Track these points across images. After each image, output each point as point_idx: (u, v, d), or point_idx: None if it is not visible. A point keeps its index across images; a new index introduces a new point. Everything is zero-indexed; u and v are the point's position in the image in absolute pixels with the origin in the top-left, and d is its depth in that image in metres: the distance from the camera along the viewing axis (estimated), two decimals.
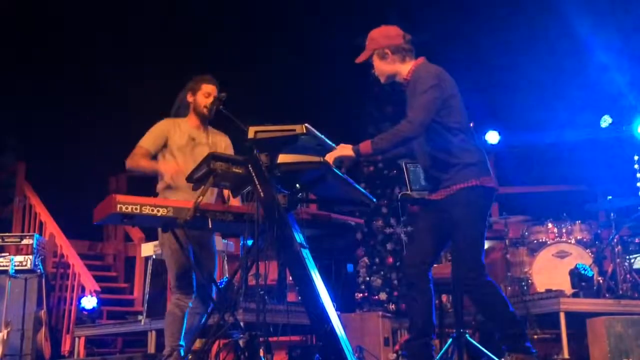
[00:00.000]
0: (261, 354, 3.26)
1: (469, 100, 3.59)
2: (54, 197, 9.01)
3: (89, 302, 7.49)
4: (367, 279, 7.78)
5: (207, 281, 4.06)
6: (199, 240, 4.10)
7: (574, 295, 5.54)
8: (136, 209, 3.37)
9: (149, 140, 4.19)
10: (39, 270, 7.05)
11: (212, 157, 3.43)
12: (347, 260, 7.87)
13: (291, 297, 6.73)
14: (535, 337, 5.25)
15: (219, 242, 6.09)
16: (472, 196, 3.44)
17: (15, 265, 6.82)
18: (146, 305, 6.55)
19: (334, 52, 7.87)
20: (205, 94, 4.23)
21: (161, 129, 4.23)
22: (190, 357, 3.79)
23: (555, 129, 8.30)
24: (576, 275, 5.63)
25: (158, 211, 3.43)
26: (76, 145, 9.18)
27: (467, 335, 3.87)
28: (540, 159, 8.71)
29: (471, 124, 3.60)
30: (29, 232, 8.42)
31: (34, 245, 7.18)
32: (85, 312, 7.44)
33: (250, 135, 3.27)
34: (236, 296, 4.15)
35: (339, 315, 3.37)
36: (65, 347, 7.57)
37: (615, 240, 6.13)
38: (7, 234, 7.81)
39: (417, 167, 3.96)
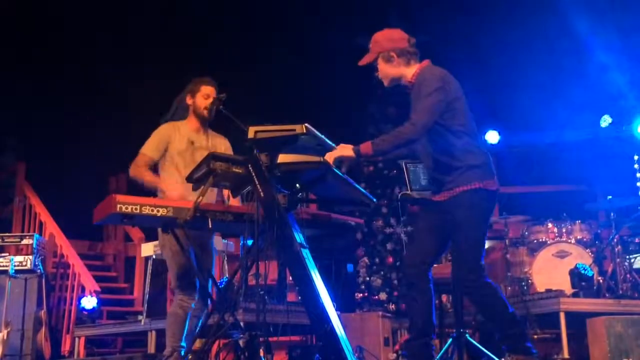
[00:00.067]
0: (261, 354, 3.26)
1: (468, 100, 3.58)
2: (54, 197, 9.00)
3: (89, 302, 7.49)
4: (367, 279, 7.78)
5: (207, 281, 4.05)
6: (199, 241, 4.09)
7: (574, 295, 5.54)
8: (136, 209, 3.37)
9: (151, 147, 4.16)
10: (39, 271, 7.04)
11: (212, 157, 3.42)
12: (347, 260, 7.87)
13: (291, 297, 6.73)
14: (535, 337, 5.26)
15: (219, 242, 6.09)
16: (475, 199, 3.44)
17: (15, 266, 6.81)
18: (146, 305, 6.55)
19: (334, 52, 7.88)
20: (204, 96, 4.21)
21: (163, 134, 4.20)
22: (190, 357, 3.79)
23: (555, 129, 8.31)
24: (576, 275, 5.63)
25: (158, 211, 3.43)
26: (76, 145, 9.19)
27: (467, 335, 3.87)
28: (540, 159, 8.71)
29: None
30: (29, 232, 8.40)
31: (34, 245, 7.17)
32: (85, 312, 7.43)
33: (250, 135, 3.27)
34: (236, 296, 4.15)
35: (339, 315, 3.37)
36: (65, 347, 7.56)
37: (615, 240, 6.13)
38: (7, 234, 7.80)
39: (417, 167, 3.96)
